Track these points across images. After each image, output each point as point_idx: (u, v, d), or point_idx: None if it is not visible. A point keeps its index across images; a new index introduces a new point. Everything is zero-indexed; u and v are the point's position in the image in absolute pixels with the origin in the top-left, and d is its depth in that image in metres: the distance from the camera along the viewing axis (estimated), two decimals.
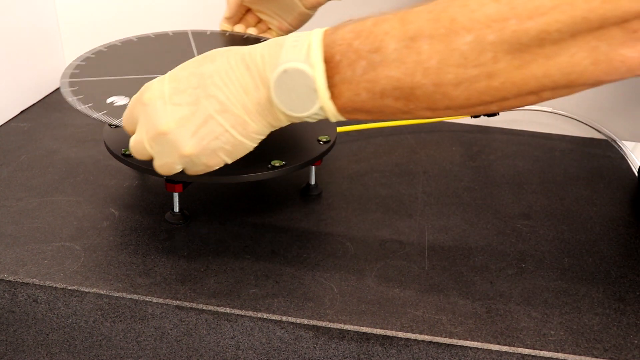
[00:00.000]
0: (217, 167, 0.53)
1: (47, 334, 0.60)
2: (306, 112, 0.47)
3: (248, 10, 0.86)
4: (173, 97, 0.48)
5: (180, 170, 0.54)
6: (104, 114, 0.61)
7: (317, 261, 0.62)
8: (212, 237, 0.65)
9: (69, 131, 0.86)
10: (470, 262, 0.63)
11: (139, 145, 0.52)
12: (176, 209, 0.66)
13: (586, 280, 0.62)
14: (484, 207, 0.73)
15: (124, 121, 0.55)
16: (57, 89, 1.01)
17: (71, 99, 0.64)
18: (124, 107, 0.61)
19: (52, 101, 0.96)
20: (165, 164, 0.52)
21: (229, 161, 0.52)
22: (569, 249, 0.66)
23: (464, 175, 0.80)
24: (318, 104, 0.47)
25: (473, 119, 0.94)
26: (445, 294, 0.59)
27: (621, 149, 0.89)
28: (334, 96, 0.46)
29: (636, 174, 0.82)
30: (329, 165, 0.79)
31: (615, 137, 0.92)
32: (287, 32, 0.84)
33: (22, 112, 0.92)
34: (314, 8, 0.81)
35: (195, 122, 0.48)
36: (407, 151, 0.85)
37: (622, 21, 0.39)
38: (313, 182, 0.73)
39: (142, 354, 0.59)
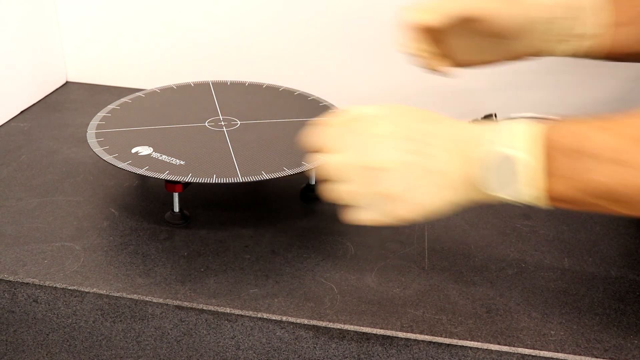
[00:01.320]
0: (395, 220, 0.52)
1: (47, 334, 0.60)
2: (516, 197, 0.49)
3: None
4: (400, 142, 0.50)
5: (358, 205, 0.53)
6: (129, 164, 0.64)
7: (317, 261, 0.62)
8: (212, 237, 0.65)
9: (69, 131, 0.86)
10: (470, 262, 0.63)
11: (342, 167, 0.51)
12: (176, 209, 0.66)
13: (586, 280, 0.62)
14: (484, 207, 0.73)
15: (326, 140, 0.53)
16: (57, 89, 1.01)
17: (98, 150, 0.67)
18: (148, 157, 0.66)
19: (52, 101, 0.96)
20: (356, 193, 0.52)
21: (411, 217, 0.51)
22: (569, 249, 0.66)
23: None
24: (532, 193, 0.48)
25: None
26: (445, 294, 0.59)
27: None
28: (547, 193, 0.48)
29: None
30: None
31: None
32: (466, 66, 0.73)
33: (22, 112, 0.92)
34: (527, 58, 0.70)
35: (412, 171, 0.50)
36: None
37: None
38: (313, 182, 0.73)
39: (142, 354, 0.59)
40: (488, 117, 0.87)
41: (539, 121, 0.50)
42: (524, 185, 0.48)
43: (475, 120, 0.81)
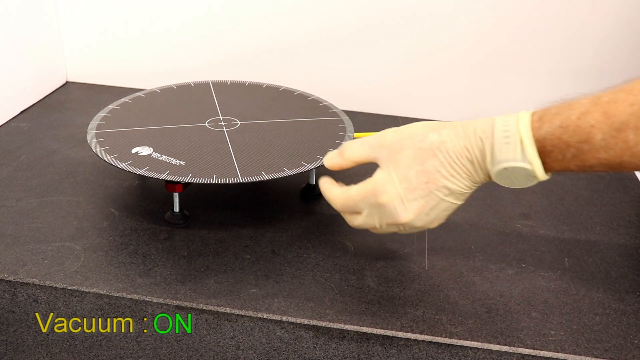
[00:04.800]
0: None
1: (47, 334, 0.60)
2: (523, 186, 0.55)
3: None
4: (408, 195, 0.56)
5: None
6: (129, 164, 0.64)
7: (317, 261, 0.62)
8: (212, 237, 0.65)
9: (69, 131, 0.86)
10: (470, 262, 0.63)
11: (369, 225, 0.60)
12: (176, 209, 0.66)
13: (586, 280, 0.62)
14: (484, 207, 0.73)
15: (343, 208, 0.61)
16: (57, 89, 1.01)
17: (98, 150, 0.67)
18: (148, 157, 0.66)
19: (52, 101, 0.96)
20: (390, 232, 0.60)
21: (445, 220, 0.59)
22: (569, 249, 0.66)
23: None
24: (535, 181, 0.54)
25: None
26: (445, 294, 0.59)
27: None
28: (545, 170, 0.54)
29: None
30: None
31: None
32: None
33: (22, 112, 0.92)
34: None
35: (428, 207, 0.57)
36: None
37: None
38: (313, 182, 0.73)
39: (142, 354, 0.59)
40: None
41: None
42: (528, 180, 0.54)
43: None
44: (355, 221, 0.60)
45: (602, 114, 0.50)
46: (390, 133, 0.59)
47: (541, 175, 0.53)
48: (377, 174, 0.58)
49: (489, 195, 0.76)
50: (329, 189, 0.62)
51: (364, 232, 0.67)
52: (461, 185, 0.56)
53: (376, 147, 0.59)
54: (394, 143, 0.58)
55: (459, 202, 0.58)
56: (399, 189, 0.56)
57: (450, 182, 0.56)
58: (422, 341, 0.54)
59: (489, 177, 0.56)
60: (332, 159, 0.63)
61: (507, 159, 0.53)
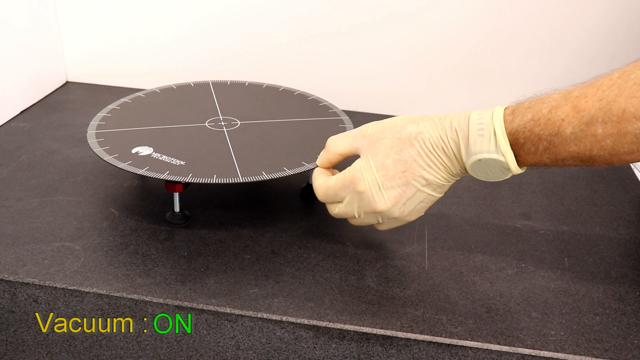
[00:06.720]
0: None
1: (47, 334, 0.60)
2: (498, 179, 0.57)
3: None
4: (385, 183, 0.58)
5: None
6: (129, 164, 0.64)
7: (317, 261, 0.62)
8: (212, 237, 0.65)
9: (69, 131, 0.86)
10: (470, 262, 0.63)
11: (348, 214, 0.61)
12: (177, 209, 0.66)
13: (586, 280, 0.62)
14: (484, 207, 0.73)
15: (325, 198, 0.62)
16: (57, 89, 1.01)
17: (98, 150, 0.67)
18: (148, 157, 0.66)
19: (52, 101, 0.96)
20: (369, 223, 0.62)
21: (423, 212, 0.61)
22: (569, 249, 0.66)
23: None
24: (509, 174, 0.56)
25: None
26: (445, 294, 0.59)
27: None
28: (519, 163, 0.56)
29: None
30: None
31: None
32: None
33: (22, 112, 0.92)
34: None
35: (406, 196, 0.58)
36: None
37: None
38: None
39: (142, 354, 0.59)
40: None
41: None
42: (503, 173, 0.56)
43: None
44: (335, 209, 0.61)
45: (572, 108, 0.52)
46: (371, 125, 0.61)
47: (514, 167, 0.55)
48: (356, 163, 0.59)
49: (489, 195, 0.76)
50: (316, 178, 0.63)
51: (364, 232, 0.67)
52: (438, 176, 0.57)
53: (358, 138, 0.61)
54: (374, 133, 0.59)
55: (437, 195, 0.59)
56: (376, 177, 0.58)
57: (427, 172, 0.57)
58: (422, 341, 0.54)
59: (465, 169, 0.57)
60: (320, 156, 0.64)
61: (481, 151, 0.55)
